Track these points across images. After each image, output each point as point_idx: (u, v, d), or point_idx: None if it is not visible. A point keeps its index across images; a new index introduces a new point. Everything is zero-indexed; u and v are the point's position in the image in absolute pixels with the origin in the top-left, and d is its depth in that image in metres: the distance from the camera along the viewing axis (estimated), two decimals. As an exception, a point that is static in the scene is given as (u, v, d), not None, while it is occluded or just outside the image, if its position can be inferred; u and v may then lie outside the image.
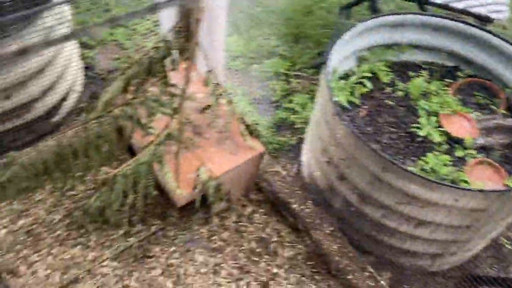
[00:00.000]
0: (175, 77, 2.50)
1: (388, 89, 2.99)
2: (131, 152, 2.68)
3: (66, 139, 2.43)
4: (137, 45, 3.81)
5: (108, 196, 2.44)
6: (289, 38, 4.04)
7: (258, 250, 2.62)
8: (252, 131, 2.48)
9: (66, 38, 2.50)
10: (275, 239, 2.69)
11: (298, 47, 3.98)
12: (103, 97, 2.52)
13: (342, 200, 2.65)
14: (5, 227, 2.55)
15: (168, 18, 2.77)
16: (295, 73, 3.78)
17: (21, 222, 2.58)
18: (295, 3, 4.31)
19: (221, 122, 2.59)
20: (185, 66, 2.60)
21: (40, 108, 2.91)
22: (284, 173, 2.93)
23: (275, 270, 2.56)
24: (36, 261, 2.44)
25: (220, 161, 2.41)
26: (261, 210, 2.81)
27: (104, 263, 2.47)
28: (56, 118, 3.08)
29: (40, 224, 2.59)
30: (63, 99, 3.12)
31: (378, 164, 2.26)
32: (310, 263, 2.62)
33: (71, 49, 3.07)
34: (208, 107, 2.52)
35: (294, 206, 2.74)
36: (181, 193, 2.29)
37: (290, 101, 3.57)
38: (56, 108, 3.06)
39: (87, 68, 3.51)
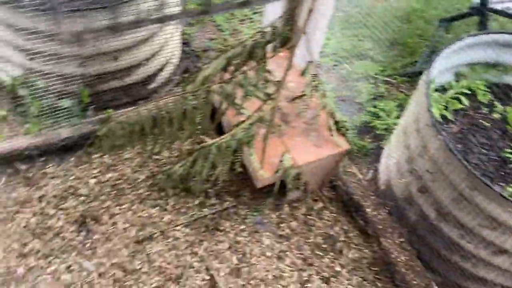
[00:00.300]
0: (272, 64, 2.57)
1: (485, 110, 2.86)
2: (219, 129, 2.79)
3: (164, 106, 2.58)
4: (234, 29, 3.92)
5: (192, 165, 2.57)
6: (383, 43, 3.97)
7: (323, 246, 2.64)
8: (340, 128, 2.49)
9: (173, 17, 2.65)
10: (342, 238, 2.68)
11: (391, 53, 3.91)
12: (203, 72, 2.64)
13: (419, 213, 2.59)
14: (94, 177, 2.76)
15: (274, 5, 2.84)
16: (384, 78, 3.72)
17: (108, 175, 2.78)
18: (394, 9, 4.23)
19: (309, 114, 2.62)
20: (284, 54, 2.66)
21: (140, 74, 3.10)
22: (360, 175, 2.91)
23: (338, 268, 2.56)
24: (117, 214, 2.62)
25: (303, 151, 2.44)
26: (332, 208, 2.81)
27: (178, 228, 2.61)
28: (151, 86, 3.26)
29: (125, 180, 2.77)
30: (161, 69, 3.30)
31: (467, 182, 2.18)
32: (374, 268, 2.59)
33: (175, 24, 3.23)
34: (300, 96, 2.56)
35: (367, 210, 2.71)
36: (263, 175, 2.35)
37: (375, 106, 3.52)
38: (153, 76, 3.24)
39: (185, 43, 3.67)
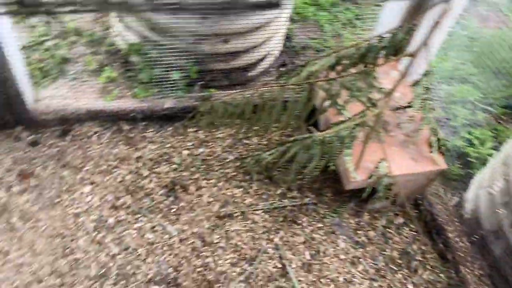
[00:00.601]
0: (380, 71, 2.56)
1: None
2: (313, 125, 2.83)
3: (266, 95, 2.66)
4: (336, 31, 3.94)
5: (281, 155, 2.63)
6: (487, 70, 3.81)
7: (399, 261, 2.60)
8: (440, 146, 2.44)
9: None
10: (419, 258, 2.63)
11: (495, 82, 3.74)
12: (309, 67, 2.69)
13: (505, 249, 2.47)
14: (188, 149, 2.90)
15: (391, 12, 2.83)
16: (484, 106, 3.58)
17: (200, 150, 2.91)
18: (505, 38, 4.04)
19: (409, 126, 2.58)
20: (393, 63, 2.65)
21: (244, 60, 3.20)
22: (445, 199, 2.83)
23: (410, 286, 2.51)
24: (204, 187, 2.74)
25: (400, 162, 2.42)
26: (412, 225, 2.76)
27: (257, 212, 2.68)
28: (251, 73, 3.37)
29: (214, 157, 2.89)
30: (262, 59, 3.39)
31: None
32: (448, 295, 2.53)
33: (285, 18, 3.31)
34: (405, 107, 2.54)
35: (449, 235, 2.64)
36: (355, 177, 2.36)
37: (470, 133, 3.39)
38: (254, 64, 3.34)
39: (286, 38, 3.74)
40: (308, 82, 2.58)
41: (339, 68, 2.61)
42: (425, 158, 2.45)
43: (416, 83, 2.36)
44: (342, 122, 2.45)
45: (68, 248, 2.38)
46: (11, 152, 2.67)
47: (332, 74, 2.60)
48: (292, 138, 2.55)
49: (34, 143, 2.73)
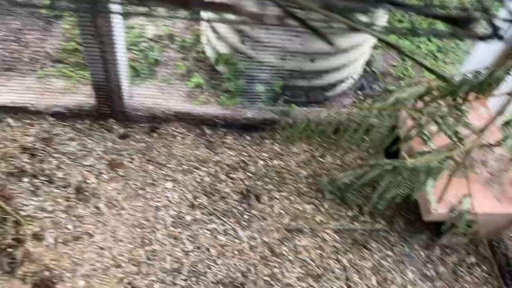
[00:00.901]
0: (469, 106, 2.54)
1: None
2: (391, 153, 2.83)
3: (349, 116, 2.71)
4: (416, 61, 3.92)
5: (358, 178, 2.64)
6: None
7: (468, 301, 2.53)
8: (528, 189, 2.37)
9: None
10: (490, 301, 2.55)
11: None
12: (398, 94, 2.70)
13: None
14: (263, 159, 2.98)
15: (486, 50, 2.80)
16: None
17: (275, 162, 2.98)
18: None
19: (496, 165, 2.53)
20: (481, 101, 2.61)
21: (325, 80, 3.27)
22: (522, 245, 2.73)
23: (479, 330, 2.43)
24: (276, 198, 2.80)
25: (483, 201, 2.37)
26: (484, 267, 2.67)
27: (327, 231, 2.70)
28: (329, 93, 3.42)
29: (288, 171, 2.95)
30: (342, 80, 3.44)
31: None
32: None
33: (371, 43, 3.35)
34: (493, 145, 2.49)
35: (525, 282, 2.54)
36: (436, 209, 2.33)
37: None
38: (333, 85, 3.39)
39: (367, 62, 3.78)
40: (396, 109, 2.60)
41: (427, 98, 2.61)
42: (510, 200, 2.38)
43: (508, 123, 2.32)
44: (428, 152, 2.44)
45: (146, 238, 2.51)
46: (103, 142, 2.86)
47: (420, 104, 2.61)
48: (372, 162, 2.57)
49: (124, 136, 2.91)
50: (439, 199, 2.35)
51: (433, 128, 2.55)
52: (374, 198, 2.48)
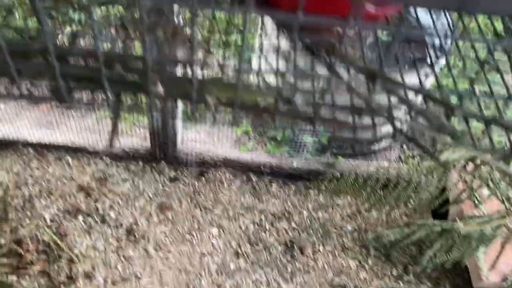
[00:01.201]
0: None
1: None
2: (437, 213, 2.80)
3: (395, 171, 2.72)
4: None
5: (406, 237, 2.62)
6: None
7: None
8: None
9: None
10: None
11: None
12: (448, 154, 2.71)
13: None
14: (308, 210, 3.00)
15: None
16: None
17: (320, 213, 2.99)
18: None
19: (551, 235, 2.46)
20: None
21: (371, 133, 3.31)
22: None
23: None
24: (320, 252, 2.79)
25: (538, 272, 2.30)
26: None
27: (371, 289, 2.66)
28: (372, 147, 3.45)
29: (332, 224, 2.94)
30: (385, 136, 3.47)
31: None
32: None
33: (420, 99, 3.38)
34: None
35: None
36: (488, 278, 2.28)
37: None
38: (378, 140, 3.42)
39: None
40: (446, 170, 2.60)
41: (478, 161, 2.60)
42: None
43: None
44: (479, 217, 2.41)
45: (191, 284, 2.54)
46: (154, 184, 2.96)
47: (471, 166, 2.60)
48: (419, 222, 2.55)
49: (173, 179, 3.00)
50: (490, 267, 2.30)
51: (485, 191, 2.54)
52: (423, 262, 2.44)
